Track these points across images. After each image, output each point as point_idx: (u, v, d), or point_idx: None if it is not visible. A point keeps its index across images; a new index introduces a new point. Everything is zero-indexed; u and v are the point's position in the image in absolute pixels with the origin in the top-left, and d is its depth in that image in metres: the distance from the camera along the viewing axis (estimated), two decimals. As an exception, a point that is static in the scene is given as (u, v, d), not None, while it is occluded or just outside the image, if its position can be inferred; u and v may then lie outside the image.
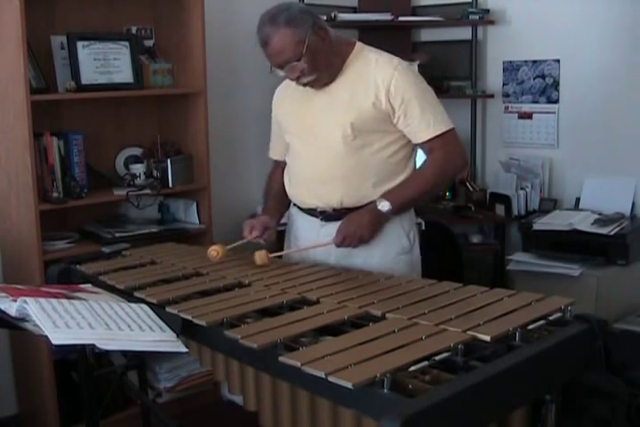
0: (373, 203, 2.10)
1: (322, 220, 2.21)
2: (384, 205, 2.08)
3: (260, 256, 2.12)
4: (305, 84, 2.10)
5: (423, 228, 2.37)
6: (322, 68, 2.05)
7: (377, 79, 2.07)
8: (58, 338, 1.51)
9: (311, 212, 2.24)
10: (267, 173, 3.80)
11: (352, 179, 2.13)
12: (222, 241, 3.14)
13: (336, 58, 2.09)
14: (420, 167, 2.17)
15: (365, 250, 2.14)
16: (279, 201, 2.36)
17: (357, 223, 2.08)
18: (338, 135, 2.10)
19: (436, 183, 2.17)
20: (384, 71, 2.07)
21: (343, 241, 2.09)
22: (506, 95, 3.78)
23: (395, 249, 2.18)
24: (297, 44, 1.98)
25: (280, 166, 2.40)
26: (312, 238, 2.24)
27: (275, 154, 2.43)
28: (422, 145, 2.14)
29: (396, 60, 2.12)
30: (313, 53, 2.00)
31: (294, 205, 2.32)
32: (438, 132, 2.09)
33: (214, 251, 2.16)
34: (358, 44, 2.16)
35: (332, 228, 2.16)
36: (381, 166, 2.14)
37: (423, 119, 2.08)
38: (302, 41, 1.98)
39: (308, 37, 1.98)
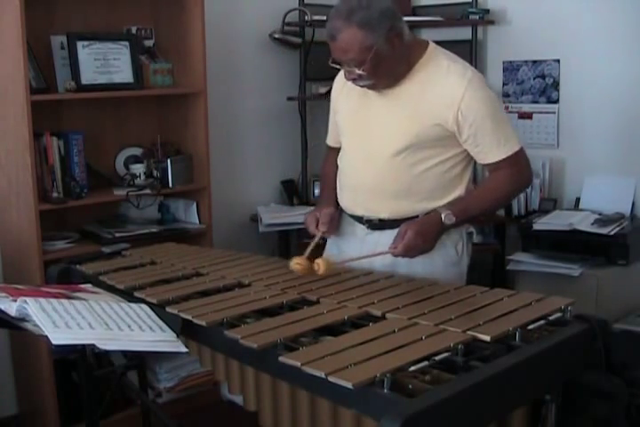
0: (436, 212, 1.96)
1: (368, 228, 2.12)
2: (449, 219, 1.94)
3: (326, 265, 1.91)
4: (361, 86, 1.99)
5: (475, 237, 2.22)
6: (382, 76, 1.93)
7: (446, 96, 1.93)
8: (58, 338, 1.51)
9: (356, 218, 2.15)
10: (265, 172, 3.84)
11: (403, 194, 2.03)
12: (224, 242, 3.15)
13: (402, 64, 1.96)
14: (489, 183, 2.07)
15: (409, 261, 2.00)
16: (335, 194, 2.22)
17: (423, 235, 1.92)
18: (394, 149, 1.99)
19: (502, 202, 2.13)
20: (456, 87, 1.92)
21: (406, 252, 1.92)
22: (506, 95, 3.77)
23: (440, 261, 2.06)
24: (364, 49, 1.84)
25: (334, 153, 2.25)
26: (355, 245, 2.14)
27: (330, 140, 2.30)
28: (492, 165, 2.01)
29: (469, 71, 1.96)
30: (378, 61, 1.87)
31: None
32: (509, 153, 1.98)
33: (297, 264, 1.94)
34: (431, 46, 2.01)
35: (377, 237, 2.09)
36: (437, 182, 2.02)
37: (494, 140, 1.96)
38: (370, 47, 1.84)
39: (378, 44, 1.84)
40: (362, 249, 2.10)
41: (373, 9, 1.84)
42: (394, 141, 2.00)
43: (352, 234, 2.19)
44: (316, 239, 2.12)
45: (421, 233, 1.92)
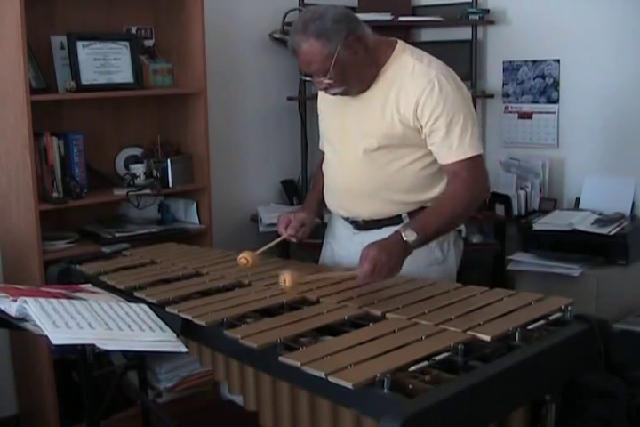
0: (396, 232, 1.86)
1: (354, 228, 2.16)
2: (410, 235, 1.84)
3: (291, 280, 1.80)
4: (334, 94, 2.02)
5: (464, 235, 2.20)
6: (351, 82, 1.96)
7: (408, 93, 1.94)
8: (58, 338, 1.51)
9: (344, 218, 2.19)
10: (265, 172, 3.84)
11: (380, 194, 2.04)
12: (224, 242, 3.15)
13: (371, 68, 1.98)
14: (444, 195, 2.00)
15: None
16: (320, 199, 2.25)
17: (387, 252, 1.80)
18: (365, 150, 2.02)
19: (465, 212, 1.99)
20: (417, 84, 1.94)
21: (373, 271, 1.77)
22: (506, 95, 3.78)
23: (425, 261, 2.06)
24: (325, 58, 1.87)
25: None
26: (345, 244, 2.18)
27: (322, 145, 2.30)
28: (445, 167, 2.00)
29: (433, 71, 1.96)
30: (342, 68, 1.90)
31: None
32: (461, 157, 1.95)
33: (244, 258, 2.01)
34: (399, 46, 2.02)
35: (364, 236, 2.08)
36: (413, 180, 2.03)
37: (447, 141, 1.95)
38: (331, 55, 1.87)
39: (338, 51, 1.87)
40: (350, 249, 2.12)
41: (326, 19, 1.88)
42: (364, 143, 2.02)
43: (344, 234, 2.22)
44: (278, 240, 2.16)
45: (384, 250, 1.80)
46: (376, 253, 1.78)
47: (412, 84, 1.95)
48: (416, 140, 2.00)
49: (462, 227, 2.20)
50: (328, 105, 2.16)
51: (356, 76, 1.96)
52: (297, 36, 1.90)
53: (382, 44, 2.02)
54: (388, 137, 1.99)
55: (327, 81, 1.94)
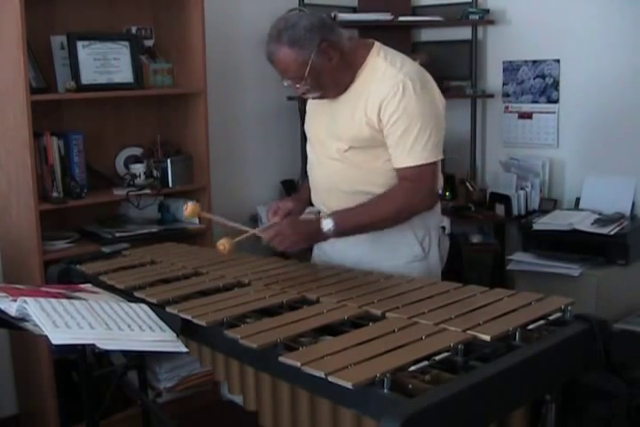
0: (319, 219, 1.99)
1: None
2: (327, 224, 1.96)
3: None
4: (314, 98, 2.07)
5: (448, 231, 2.19)
6: (327, 87, 2.00)
7: (375, 97, 1.96)
8: (58, 338, 1.51)
9: None
10: (265, 172, 3.84)
11: (356, 192, 2.06)
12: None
13: (346, 72, 2.00)
14: (382, 195, 2.00)
15: (375, 258, 2.08)
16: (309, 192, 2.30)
17: (295, 229, 1.97)
18: (338, 150, 2.05)
19: (394, 217, 2.00)
20: (383, 88, 1.95)
21: (272, 238, 1.96)
22: (506, 95, 3.78)
23: (405, 257, 2.10)
24: (300, 65, 1.91)
25: None
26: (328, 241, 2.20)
27: None
28: (397, 171, 2.00)
29: (402, 75, 1.95)
30: (317, 74, 1.93)
31: None
32: (410, 164, 1.96)
33: (222, 245, 2.00)
34: (375, 48, 2.03)
35: None
36: (389, 178, 2.04)
37: (399, 146, 1.96)
38: (305, 63, 1.91)
39: (313, 59, 1.91)
40: (333, 243, 2.12)
41: (299, 27, 1.90)
42: (336, 144, 2.05)
43: None
44: (250, 233, 2.10)
45: (294, 226, 1.98)
46: (283, 227, 1.97)
47: (379, 88, 1.96)
48: (385, 141, 2.01)
49: (446, 224, 2.23)
50: (313, 106, 2.19)
51: (332, 81, 1.99)
52: (271, 45, 1.94)
53: (359, 48, 2.03)
54: (358, 140, 2.02)
55: (304, 87, 1.97)
